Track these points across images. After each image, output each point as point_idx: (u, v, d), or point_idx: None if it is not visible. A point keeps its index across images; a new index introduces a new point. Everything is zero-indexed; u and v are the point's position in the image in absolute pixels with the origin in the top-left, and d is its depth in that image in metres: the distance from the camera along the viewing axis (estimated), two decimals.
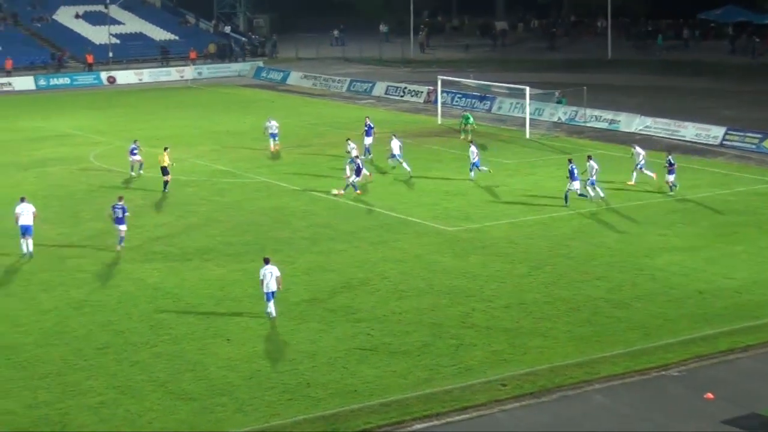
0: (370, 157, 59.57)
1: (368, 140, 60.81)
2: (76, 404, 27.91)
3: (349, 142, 56.09)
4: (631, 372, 29.53)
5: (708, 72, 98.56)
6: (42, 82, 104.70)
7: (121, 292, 37.19)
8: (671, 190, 50.25)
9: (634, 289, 36.44)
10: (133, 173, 56.16)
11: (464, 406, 27.46)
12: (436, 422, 26.72)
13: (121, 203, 42.81)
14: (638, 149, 53.55)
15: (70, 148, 65.53)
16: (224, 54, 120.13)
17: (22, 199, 42.92)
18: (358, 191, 50.97)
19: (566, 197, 48.78)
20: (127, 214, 42.71)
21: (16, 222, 42.23)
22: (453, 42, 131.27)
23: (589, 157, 50.91)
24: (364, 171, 52.10)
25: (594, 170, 49.41)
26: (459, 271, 38.94)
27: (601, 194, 49.52)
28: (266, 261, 34.13)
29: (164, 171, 52.93)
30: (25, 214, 42.08)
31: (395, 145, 56.23)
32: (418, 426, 26.53)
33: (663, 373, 29.59)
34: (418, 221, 46.13)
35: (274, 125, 64.50)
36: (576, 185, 48.81)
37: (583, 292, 36.24)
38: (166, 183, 52.84)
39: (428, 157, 61.41)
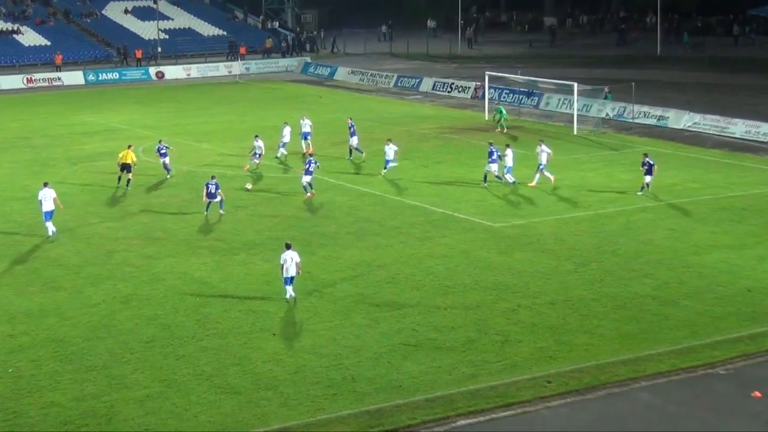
0: (363, 155, 59.34)
1: (353, 140, 60.01)
2: (123, 397, 28.11)
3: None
4: (678, 370, 29.37)
5: (758, 68, 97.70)
6: (91, 77, 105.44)
7: (168, 287, 37.41)
8: (641, 190, 49.25)
9: (682, 287, 36.21)
10: (168, 176, 55.32)
11: (509, 402, 27.42)
12: (480, 418, 26.69)
13: (214, 180, 46.57)
14: (543, 147, 52.07)
15: (118, 142, 65.75)
16: (281, 49, 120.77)
17: (45, 185, 44.51)
18: (308, 194, 50.03)
19: (485, 177, 52.01)
20: (219, 190, 46.38)
21: (40, 208, 44.06)
22: (501, 38, 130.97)
23: (507, 146, 53.14)
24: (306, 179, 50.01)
25: (510, 158, 51.37)
26: (505, 267, 38.87)
27: (511, 180, 51.51)
28: (288, 246, 35.04)
29: (127, 168, 52.55)
30: (47, 199, 43.85)
31: (390, 150, 54.54)
32: (463, 422, 26.51)
33: (710, 371, 29.41)
34: (464, 217, 46.08)
35: (307, 124, 62.61)
36: (494, 167, 51.65)
37: (629, 289, 36.07)
38: (128, 181, 52.58)
39: (475, 153, 61.22)
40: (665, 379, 28.86)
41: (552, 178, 51.33)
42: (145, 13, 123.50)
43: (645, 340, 31.49)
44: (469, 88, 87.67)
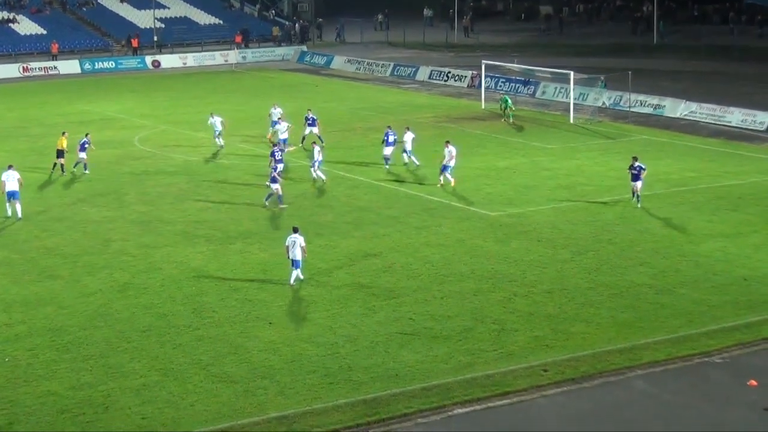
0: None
1: (311, 131, 59.72)
2: (119, 386, 28.15)
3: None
4: (674, 358, 29.44)
5: (754, 57, 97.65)
6: (87, 66, 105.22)
7: (165, 276, 37.43)
8: (634, 197, 45.55)
9: (678, 276, 36.26)
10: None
11: (505, 391, 27.48)
12: (477, 407, 26.75)
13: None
14: (450, 148, 49.89)
15: (114, 131, 65.90)
16: (289, 38, 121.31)
17: (9, 167, 45.80)
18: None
19: (385, 160, 53.74)
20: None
21: (3, 188, 45.04)
22: (497, 27, 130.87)
23: (407, 128, 54.32)
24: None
25: (410, 141, 52.28)
26: (501, 256, 38.90)
27: (417, 162, 52.09)
28: (295, 230, 35.79)
29: (60, 154, 54.07)
30: (11, 180, 45.13)
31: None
32: (459, 410, 26.56)
33: (706, 359, 29.49)
34: (461, 206, 46.10)
35: (278, 112, 62.87)
36: (387, 151, 53.59)
37: (626, 278, 36.12)
38: (62, 166, 54.02)
39: (471, 141, 61.27)
40: (661, 368, 28.93)
41: (453, 181, 49.58)
42: (140, 2, 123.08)
43: (641, 328, 31.54)
44: (466, 77, 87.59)
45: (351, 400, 27.06)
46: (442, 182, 49.61)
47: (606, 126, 66.17)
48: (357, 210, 45.94)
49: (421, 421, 26.09)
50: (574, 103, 69.30)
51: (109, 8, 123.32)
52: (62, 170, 53.77)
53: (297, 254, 35.09)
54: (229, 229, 43.43)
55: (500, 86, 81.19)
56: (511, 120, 67.32)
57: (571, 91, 69.78)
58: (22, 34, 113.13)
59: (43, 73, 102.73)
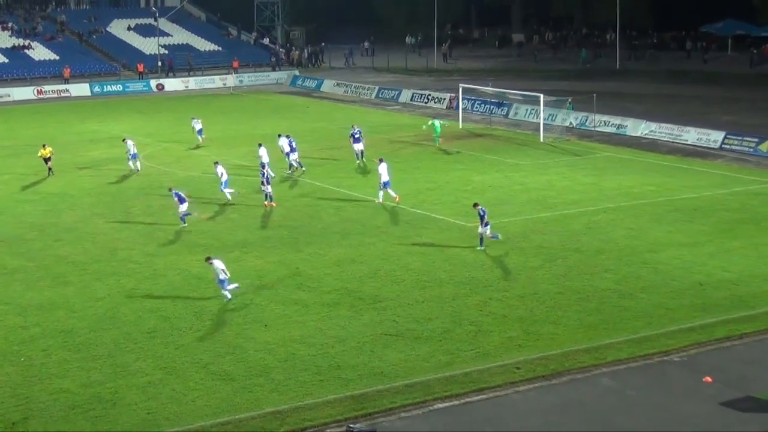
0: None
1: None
2: (126, 383, 28.05)
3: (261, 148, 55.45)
4: (636, 357, 29.43)
5: (709, 81, 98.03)
6: (97, 89, 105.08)
7: (168, 282, 37.33)
8: (480, 245, 40.73)
9: (639, 281, 36.28)
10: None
11: (482, 387, 27.45)
12: (456, 402, 26.71)
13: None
14: (383, 164, 48.68)
15: (121, 149, 65.57)
16: (302, 62, 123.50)
17: None
18: (266, 203, 48.69)
19: (357, 155, 57.79)
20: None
21: None
22: (473, 53, 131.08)
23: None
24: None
25: (385, 173, 48.57)
26: (477, 263, 38.87)
27: (393, 194, 48.96)
28: (208, 259, 35.41)
29: (47, 161, 58.20)
30: None
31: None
32: (440, 405, 26.52)
33: (665, 358, 29.47)
34: (441, 218, 46.07)
35: (197, 122, 69.38)
36: (358, 147, 57.56)
37: (592, 283, 36.12)
38: (50, 169, 58.11)
39: (449, 158, 61.33)
40: (624, 366, 28.91)
41: (396, 197, 48.97)
42: (146, 30, 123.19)
43: (606, 330, 31.55)
44: (445, 99, 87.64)
45: (340, 396, 27.00)
46: (381, 200, 48.91)
47: (573, 144, 66.26)
48: (344, 221, 45.87)
49: (404, 416, 26.03)
50: (544, 123, 69.30)
51: (117, 36, 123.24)
52: (50, 172, 57.69)
53: (223, 273, 34.61)
54: (227, 238, 43.33)
55: (476, 107, 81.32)
56: (437, 144, 66.30)
57: (541, 112, 69.83)
58: (37, 59, 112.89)
59: (56, 95, 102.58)
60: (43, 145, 58.80)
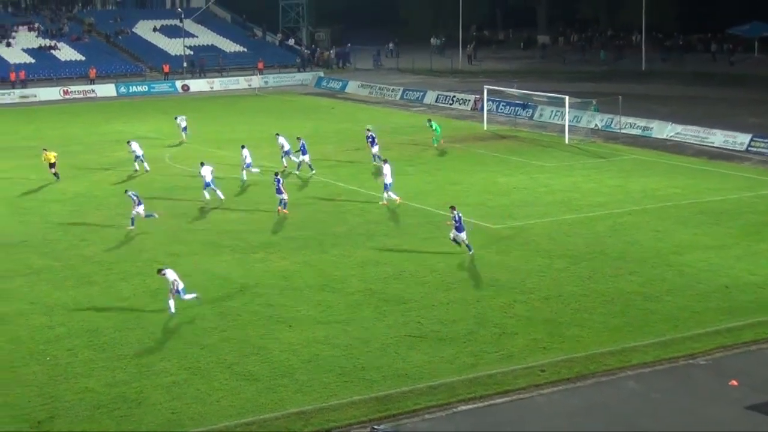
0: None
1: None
2: (151, 383, 28.15)
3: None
4: (661, 360, 29.34)
5: (735, 83, 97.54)
6: (122, 90, 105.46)
7: (193, 282, 37.28)
8: (469, 250, 40.10)
9: (665, 284, 36.14)
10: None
11: (506, 389, 27.41)
12: (480, 404, 26.68)
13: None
14: (386, 167, 49.11)
15: (147, 149, 65.64)
16: (336, 63, 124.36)
17: None
18: (279, 209, 47.68)
19: (374, 158, 57.28)
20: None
21: None
22: (498, 54, 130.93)
23: (385, 161, 50.89)
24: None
25: (389, 174, 48.74)
26: (502, 265, 38.83)
27: (394, 197, 49.09)
28: (160, 270, 34.54)
29: (52, 166, 56.56)
30: None
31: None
32: (464, 407, 26.51)
33: (691, 361, 29.37)
34: (465, 219, 45.92)
35: (182, 119, 71.24)
36: (375, 149, 57.97)
37: (617, 285, 36.01)
38: (56, 173, 56.67)
39: (474, 160, 61.29)
40: (649, 369, 28.83)
41: (397, 198, 49.22)
42: (171, 31, 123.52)
43: (631, 332, 31.44)
44: (469, 100, 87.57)
45: (364, 397, 27.02)
46: (386, 201, 49.01)
47: (598, 146, 66.07)
48: (369, 222, 45.90)
49: (428, 417, 26.04)
50: (569, 125, 69.21)
51: (143, 36, 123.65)
52: (56, 177, 56.01)
53: (180, 284, 33.95)
54: (252, 239, 43.42)
55: (501, 109, 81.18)
56: (435, 144, 66.34)
57: (567, 114, 69.72)
58: (63, 60, 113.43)
59: (82, 96, 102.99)
60: (44, 149, 57.98)
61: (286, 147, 58.42)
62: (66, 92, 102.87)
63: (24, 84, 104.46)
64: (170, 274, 34.04)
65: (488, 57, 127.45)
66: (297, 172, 56.95)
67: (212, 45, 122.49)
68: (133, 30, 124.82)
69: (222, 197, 50.03)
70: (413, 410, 26.27)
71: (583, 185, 53.33)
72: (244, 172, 54.77)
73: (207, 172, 50.16)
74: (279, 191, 47.13)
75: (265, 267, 39.07)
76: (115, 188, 54.39)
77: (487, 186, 53.42)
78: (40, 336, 32.05)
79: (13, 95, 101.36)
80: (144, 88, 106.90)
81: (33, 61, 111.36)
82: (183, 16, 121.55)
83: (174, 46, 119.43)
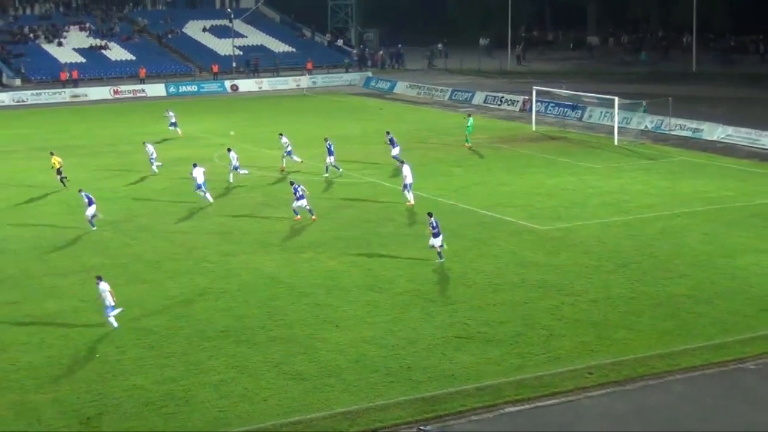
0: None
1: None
2: (199, 381, 28.34)
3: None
4: (710, 364, 29.12)
5: None
6: (172, 89, 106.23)
7: (241, 281, 37.63)
8: (439, 258, 39.41)
9: (715, 287, 35.85)
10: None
11: (553, 392, 27.34)
12: (526, 406, 26.63)
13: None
14: (405, 167, 49.59)
15: (196, 149, 66.33)
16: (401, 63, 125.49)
17: None
18: (298, 217, 46.60)
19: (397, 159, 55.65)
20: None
21: None
22: (547, 55, 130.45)
23: (403, 162, 51.11)
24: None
25: (409, 175, 48.94)
26: (550, 267, 38.70)
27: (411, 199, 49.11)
28: (99, 278, 33.30)
29: (59, 171, 55.07)
30: None
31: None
32: (510, 409, 26.46)
33: (740, 365, 29.14)
34: (513, 220, 45.92)
35: (171, 115, 73.37)
36: (395, 151, 57.51)
37: (666, 288, 35.77)
38: (63, 179, 55.09)
39: (522, 161, 61.14)
40: (699, 373, 28.63)
41: (412, 201, 49.22)
42: (221, 31, 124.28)
43: (680, 336, 31.23)
44: (518, 101, 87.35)
45: (410, 397, 27.05)
46: (412, 201, 49.09)
47: (648, 148, 65.65)
48: (416, 223, 45.87)
49: (474, 419, 26.02)
50: (618, 126, 68.84)
51: (193, 36, 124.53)
52: (64, 182, 54.90)
53: (109, 301, 32.84)
54: (300, 239, 43.59)
55: (550, 110, 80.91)
56: (467, 144, 66.40)
57: (616, 115, 69.37)
58: (113, 59, 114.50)
59: (132, 95, 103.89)
60: (51, 153, 56.91)
61: (289, 148, 58.56)
62: (116, 92, 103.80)
63: (75, 83, 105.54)
64: (103, 286, 32.86)
65: (537, 58, 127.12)
66: (326, 175, 57.04)
67: (261, 45, 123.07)
68: (183, 30, 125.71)
69: (210, 200, 50.31)
70: (459, 411, 26.27)
71: (632, 187, 53.01)
72: (231, 174, 55.07)
73: (199, 173, 50.53)
74: (300, 197, 45.83)
75: (312, 267, 39.20)
76: (164, 188, 54.82)
77: (535, 187, 53.25)
78: (90, 333, 32.38)
79: (65, 94, 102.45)
80: (193, 88, 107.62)
81: (84, 60, 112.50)
82: (233, 16, 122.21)
83: (223, 46, 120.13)
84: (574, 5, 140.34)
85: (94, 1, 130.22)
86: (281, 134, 60.17)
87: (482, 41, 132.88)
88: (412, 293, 35.73)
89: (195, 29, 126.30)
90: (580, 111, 79.28)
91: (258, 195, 52.43)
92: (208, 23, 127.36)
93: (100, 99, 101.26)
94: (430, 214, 39.89)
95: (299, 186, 46.38)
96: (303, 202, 45.83)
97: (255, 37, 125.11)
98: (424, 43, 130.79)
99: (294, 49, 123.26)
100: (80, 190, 47.29)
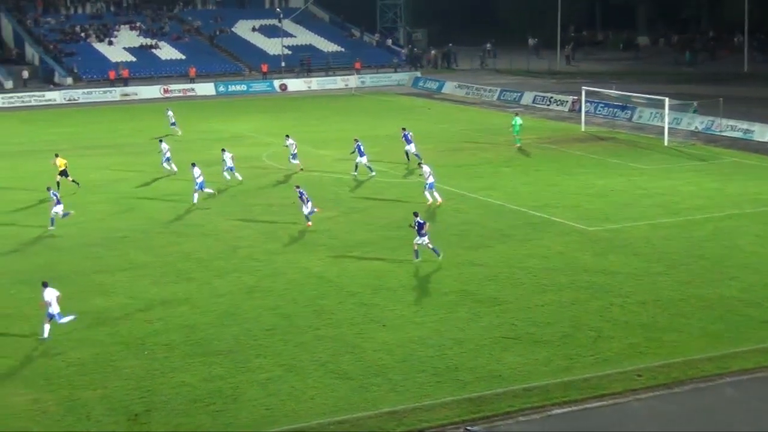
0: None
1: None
2: (246, 379, 28.42)
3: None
4: (762, 367, 28.75)
5: None
6: (221, 89, 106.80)
7: (288, 280, 37.71)
8: (415, 257, 39.44)
9: (766, 290, 35.40)
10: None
11: (601, 393, 27.13)
12: (574, 408, 26.46)
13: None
14: (425, 168, 49.23)
15: (245, 148, 66.54)
16: (437, 63, 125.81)
17: None
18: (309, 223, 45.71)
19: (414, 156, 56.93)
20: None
21: None
22: (597, 55, 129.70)
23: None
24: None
25: (429, 175, 48.92)
26: (598, 268, 38.44)
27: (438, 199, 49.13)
28: (45, 284, 32.35)
29: (64, 173, 54.31)
30: None
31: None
32: (558, 411, 26.30)
33: None
34: (561, 221, 45.67)
35: (171, 115, 75.55)
36: (411, 148, 58.27)
37: (716, 291, 35.40)
38: (74, 181, 54.45)
39: (571, 162, 60.81)
40: (749, 376, 28.29)
41: (439, 199, 49.24)
42: (270, 31, 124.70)
43: (730, 338, 30.89)
44: (567, 101, 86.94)
45: (457, 398, 26.96)
46: (439, 200, 49.05)
47: (698, 149, 65.06)
48: (464, 223, 45.78)
49: (522, 420, 25.88)
50: (669, 127, 68.31)
51: (242, 36, 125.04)
52: (75, 183, 54.45)
53: (55, 308, 31.96)
54: (347, 238, 43.61)
55: (599, 111, 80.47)
56: (515, 144, 66.25)
57: (666, 116, 68.83)
58: (164, 59, 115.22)
59: (181, 94, 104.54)
60: (56, 155, 56.08)
61: (294, 150, 58.51)
62: (166, 90, 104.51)
63: (125, 82, 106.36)
64: (48, 294, 32.02)
65: (586, 58, 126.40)
66: (355, 173, 57.03)
67: (310, 45, 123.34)
68: (233, 29, 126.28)
69: (195, 202, 50.46)
70: (507, 412, 26.14)
71: (682, 188, 52.56)
72: (226, 173, 55.27)
73: (198, 173, 50.82)
74: (307, 201, 45.20)
75: (359, 266, 39.20)
76: (212, 186, 55.02)
77: (584, 188, 52.95)
78: (138, 330, 32.58)
79: (115, 93, 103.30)
80: (242, 87, 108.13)
81: (134, 59, 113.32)
82: (282, 16, 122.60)
83: (272, 46, 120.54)
84: (625, 5, 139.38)
85: (144, 0, 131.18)
86: (287, 136, 60.16)
87: (531, 41, 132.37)
88: (459, 293, 35.63)
89: (244, 29, 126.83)
90: (629, 111, 78.77)
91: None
92: (258, 23, 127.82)
93: (149, 98, 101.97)
94: (415, 214, 39.84)
95: (304, 192, 45.76)
96: (308, 206, 45.37)
97: (304, 36, 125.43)
98: (473, 43, 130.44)
99: (343, 49, 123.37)
100: (48, 188, 47.75)
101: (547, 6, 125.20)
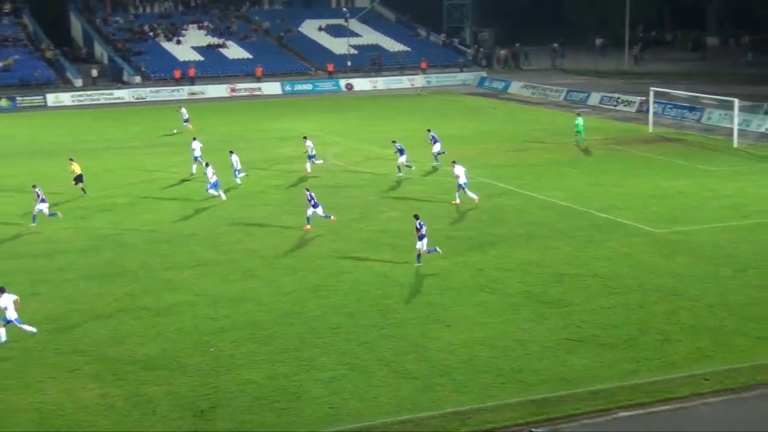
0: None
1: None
2: (310, 377, 28.55)
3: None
4: None
5: None
6: (288, 88, 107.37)
7: (353, 279, 37.81)
8: (417, 261, 39.22)
9: None
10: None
11: (668, 397, 26.91)
12: (640, 411, 26.27)
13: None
14: (458, 167, 49.47)
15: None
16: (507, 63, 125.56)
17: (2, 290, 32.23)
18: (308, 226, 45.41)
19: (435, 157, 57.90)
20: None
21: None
22: (666, 56, 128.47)
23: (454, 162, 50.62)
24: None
25: (462, 175, 49.07)
26: (665, 270, 38.09)
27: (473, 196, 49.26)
28: (2, 290, 31.69)
29: (79, 178, 53.62)
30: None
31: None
32: (624, 414, 26.14)
33: None
34: (628, 222, 45.32)
35: (184, 112, 76.66)
36: (436, 148, 58.89)
37: None
38: (83, 189, 53.63)
39: (638, 163, 60.30)
40: None
41: (475, 198, 49.31)
42: (336, 31, 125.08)
43: None
44: (634, 102, 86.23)
45: (522, 399, 26.88)
46: (475, 198, 49.07)
47: None
48: (529, 224, 45.61)
49: (587, 422, 25.77)
50: (738, 129, 67.48)
51: (309, 36, 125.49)
52: (84, 192, 53.67)
53: (11, 314, 31.52)
54: (411, 238, 43.46)
55: (667, 112, 79.70)
56: (583, 144, 65.84)
57: (735, 117, 67.99)
58: (231, 58, 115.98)
59: (248, 93, 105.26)
60: (71, 159, 55.11)
61: (312, 151, 58.50)
62: (233, 90, 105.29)
63: (192, 81, 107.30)
64: (3, 300, 31.52)
65: (655, 58, 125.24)
66: (400, 174, 57.07)
67: (376, 44, 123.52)
68: (299, 29, 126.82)
69: (224, 198, 51.54)
70: (571, 415, 26.02)
71: (752, 191, 51.91)
72: (238, 178, 55.43)
73: (211, 173, 51.55)
74: (315, 205, 44.81)
75: (424, 266, 39.18)
76: (279, 185, 55.41)
77: (650, 189, 52.47)
78: (204, 327, 32.87)
79: (183, 92, 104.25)
80: (308, 87, 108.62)
81: (202, 58, 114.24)
82: (348, 15, 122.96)
83: (338, 45, 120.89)
84: (694, 5, 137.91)
85: (212, 0, 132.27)
86: (305, 137, 60.19)
87: (598, 41, 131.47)
88: (523, 294, 35.52)
89: (311, 28, 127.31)
90: (698, 113, 77.94)
91: (369, 193, 52.64)
92: (324, 22, 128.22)
93: (217, 97, 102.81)
94: (416, 216, 39.75)
95: (314, 194, 45.49)
96: (319, 210, 44.93)
97: (370, 36, 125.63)
98: (540, 43, 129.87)
99: (409, 49, 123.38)
100: (34, 186, 48.07)
101: (615, 6, 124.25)
